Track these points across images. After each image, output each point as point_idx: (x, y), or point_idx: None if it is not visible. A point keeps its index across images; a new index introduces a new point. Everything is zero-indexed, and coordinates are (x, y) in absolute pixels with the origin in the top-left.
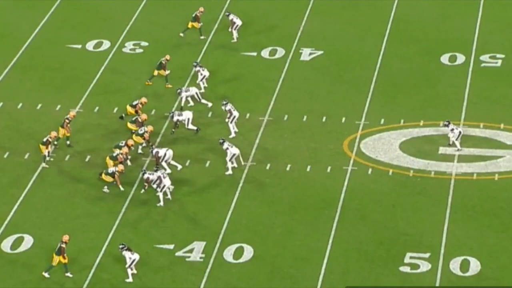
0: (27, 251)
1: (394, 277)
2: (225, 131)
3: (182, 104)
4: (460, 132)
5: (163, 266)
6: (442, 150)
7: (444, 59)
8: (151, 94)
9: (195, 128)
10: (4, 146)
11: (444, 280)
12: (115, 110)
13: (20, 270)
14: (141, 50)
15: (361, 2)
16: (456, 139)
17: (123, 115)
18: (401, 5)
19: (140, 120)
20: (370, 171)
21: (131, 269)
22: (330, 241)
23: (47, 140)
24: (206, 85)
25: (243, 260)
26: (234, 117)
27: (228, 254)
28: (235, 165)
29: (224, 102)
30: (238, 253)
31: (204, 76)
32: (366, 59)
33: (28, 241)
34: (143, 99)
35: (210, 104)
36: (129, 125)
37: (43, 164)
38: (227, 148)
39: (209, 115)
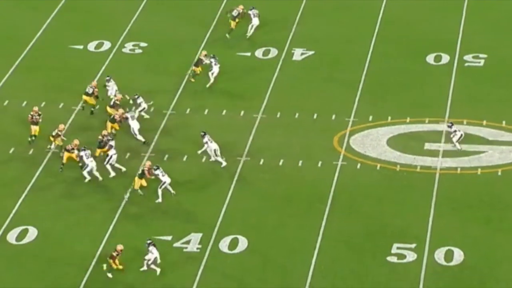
0: (32, 243)
1: (381, 267)
2: (224, 131)
3: (140, 108)
4: (462, 135)
5: (162, 256)
6: (427, 145)
7: (430, 59)
8: (147, 92)
9: (143, 139)
10: (9, 142)
11: (429, 270)
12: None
13: (25, 261)
14: (140, 51)
15: (351, 4)
16: (457, 141)
17: (92, 109)
18: (389, 8)
19: (118, 102)
20: (359, 166)
21: (148, 265)
22: (321, 233)
23: (57, 133)
24: (212, 81)
25: (237, 251)
26: (214, 150)
27: (224, 245)
28: (218, 159)
29: (202, 134)
30: (233, 244)
31: (213, 71)
32: (355, 59)
33: (32, 233)
34: (118, 96)
35: (130, 116)
36: (109, 109)
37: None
38: (207, 142)
39: (206, 112)
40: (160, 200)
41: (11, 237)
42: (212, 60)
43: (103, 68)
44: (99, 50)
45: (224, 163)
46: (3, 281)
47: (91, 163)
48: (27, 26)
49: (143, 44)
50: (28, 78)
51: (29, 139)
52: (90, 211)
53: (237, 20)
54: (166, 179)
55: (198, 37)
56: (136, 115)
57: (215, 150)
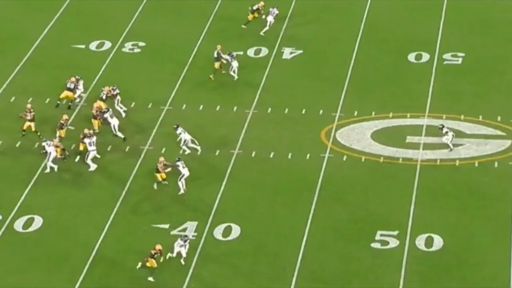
0: (37, 230)
1: (366, 252)
2: (222, 130)
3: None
4: (453, 135)
5: (160, 243)
6: (409, 139)
7: (411, 57)
8: (146, 88)
9: (122, 136)
10: (16, 136)
11: (411, 255)
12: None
13: (31, 248)
14: (138, 50)
15: (337, 6)
16: (450, 141)
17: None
18: (373, 9)
19: (109, 95)
20: (345, 158)
21: (171, 255)
22: (309, 220)
23: (60, 123)
24: (237, 76)
25: (231, 238)
26: (185, 139)
27: (218, 233)
28: (194, 146)
29: (175, 126)
30: (227, 231)
31: (232, 67)
32: (341, 58)
33: (38, 221)
34: (107, 88)
35: (124, 114)
36: (99, 102)
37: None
38: (181, 133)
39: (201, 107)
40: (182, 191)
41: (18, 225)
42: (228, 57)
43: (104, 66)
44: (100, 49)
45: (199, 149)
46: (10, 266)
47: (184, 170)
48: (33, 27)
49: (141, 44)
50: (34, 76)
51: (23, 133)
52: (92, 200)
53: (255, 14)
54: (185, 171)
55: (194, 36)
56: (123, 108)
57: (188, 140)
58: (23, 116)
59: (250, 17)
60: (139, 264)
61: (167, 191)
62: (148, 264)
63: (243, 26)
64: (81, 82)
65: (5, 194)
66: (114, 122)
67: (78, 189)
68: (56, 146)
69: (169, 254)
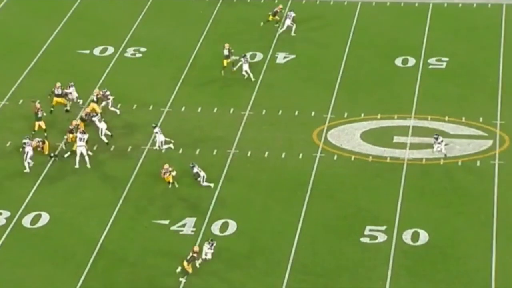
0: (44, 226)
1: (355, 247)
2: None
3: (114, 108)
4: (446, 143)
5: (159, 238)
6: (396, 139)
7: (398, 61)
8: (147, 91)
9: (106, 140)
10: (22, 137)
11: (398, 249)
12: (118, 106)
13: (39, 243)
14: (140, 55)
15: (328, 13)
16: (443, 149)
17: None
18: (362, 16)
19: (100, 96)
20: (335, 157)
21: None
22: (302, 217)
23: (71, 129)
24: (252, 77)
25: (228, 233)
26: (159, 140)
27: (215, 228)
28: (169, 146)
29: (153, 125)
30: (224, 227)
31: (245, 69)
32: (332, 62)
33: (45, 218)
34: (97, 91)
35: (118, 112)
36: (93, 105)
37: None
38: (156, 133)
39: (199, 109)
40: (209, 185)
41: (26, 221)
42: (242, 59)
43: (107, 70)
44: (103, 54)
45: (172, 146)
46: (19, 260)
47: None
48: (40, 33)
49: (143, 49)
50: (40, 80)
51: (33, 132)
52: (96, 198)
53: (276, 16)
54: (202, 173)
55: (192, 41)
56: (116, 109)
57: (163, 141)
58: (33, 103)
59: (270, 17)
60: (179, 268)
61: (167, 190)
62: (186, 269)
63: (261, 23)
64: (72, 89)
65: (14, 192)
66: (102, 126)
67: (82, 188)
68: (36, 146)
69: (202, 258)
